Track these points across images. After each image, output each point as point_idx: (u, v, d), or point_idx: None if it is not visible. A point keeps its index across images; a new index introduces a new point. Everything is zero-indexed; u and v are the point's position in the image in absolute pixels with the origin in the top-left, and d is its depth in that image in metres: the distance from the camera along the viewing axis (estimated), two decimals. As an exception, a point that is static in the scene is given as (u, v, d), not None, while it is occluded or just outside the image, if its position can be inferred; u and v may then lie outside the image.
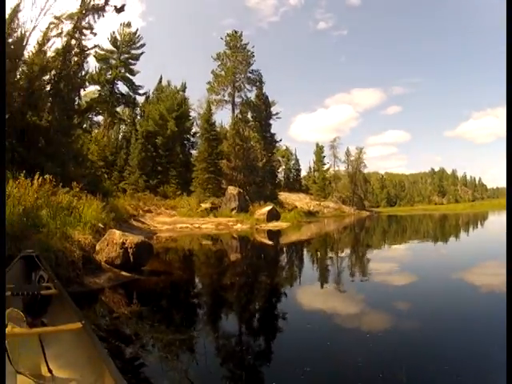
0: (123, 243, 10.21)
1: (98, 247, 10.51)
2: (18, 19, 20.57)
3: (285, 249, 18.31)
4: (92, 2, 26.93)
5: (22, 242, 8.22)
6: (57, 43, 25.95)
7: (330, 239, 23.88)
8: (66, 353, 3.85)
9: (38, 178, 12.85)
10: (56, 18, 26.00)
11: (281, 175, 67.34)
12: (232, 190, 36.29)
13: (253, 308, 8.04)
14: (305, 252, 17.98)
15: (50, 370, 3.51)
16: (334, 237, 25.53)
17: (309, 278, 10.70)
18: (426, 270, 11.24)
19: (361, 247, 18.87)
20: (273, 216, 32.67)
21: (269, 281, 10.50)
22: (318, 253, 16.93)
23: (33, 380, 3.39)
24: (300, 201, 56.29)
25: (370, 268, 12.11)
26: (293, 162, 72.74)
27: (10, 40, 20.53)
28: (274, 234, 24.41)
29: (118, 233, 10.75)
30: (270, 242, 21.00)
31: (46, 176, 13.30)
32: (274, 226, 29.85)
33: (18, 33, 21.77)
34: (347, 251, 17.21)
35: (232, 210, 34.48)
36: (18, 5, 20.33)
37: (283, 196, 50.79)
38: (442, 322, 6.07)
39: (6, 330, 3.30)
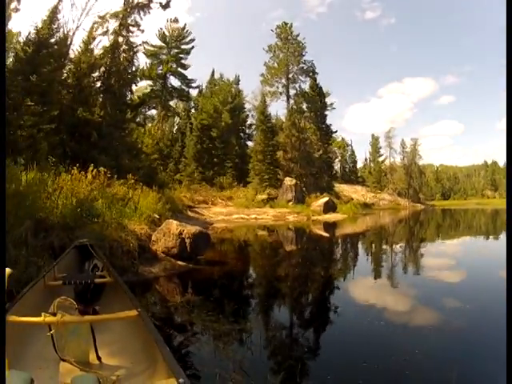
0: (180, 233, 10.21)
1: (154, 237, 10.53)
2: (57, 20, 21.03)
3: (339, 241, 18.14)
4: (136, 0, 27.62)
5: (74, 232, 8.28)
6: (103, 41, 26.86)
7: (385, 232, 23.50)
8: (117, 340, 3.89)
9: (92, 171, 13.02)
10: (100, 17, 26.95)
11: (337, 166, 66.52)
12: (289, 181, 36.03)
13: (305, 300, 8.00)
14: (359, 244, 17.78)
15: (98, 358, 3.54)
16: (389, 230, 25.05)
17: (362, 271, 10.63)
18: (478, 266, 11.02)
19: (415, 241, 18.43)
20: (329, 207, 32.31)
21: (322, 273, 10.42)
22: (373, 246, 16.75)
23: (78, 367, 3.37)
24: (356, 192, 55.58)
25: (423, 263, 11.86)
26: (348, 153, 71.97)
27: (53, 40, 20.91)
28: (329, 226, 24.20)
29: (175, 223, 10.74)
30: (326, 234, 20.75)
31: (101, 168, 13.45)
32: (330, 217, 29.53)
33: (60, 33, 22.30)
34: (401, 245, 16.93)
35: (288, 201, 34.26)
36: (56, 6, 20.73)
37: (339, 188, 50.16)
38: (494, 321, 5.80)
39: (57, 318, 3.32)
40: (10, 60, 21.20)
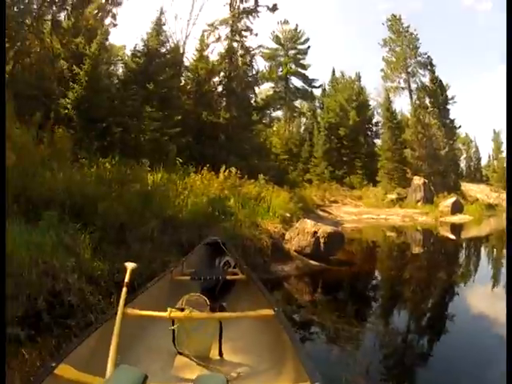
0: (315, 232, 10.23)
1: (287, 236, 10.70)
2: (163, 31, 22.10)
3: (464, 244, 17.63)
4: (242, 6, 28.48)
5: (204, 230, 8.55)
6: (217, 48, 28.06)
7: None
8: (242, 338, 3.83)
9: (224, 171, 13.83)
10: (209, 25, 28.25)
11: (462, 164, 63.29)
12: (417, 180, 34.70)
13: (425, 306, 7.90)
14: (482, 249, 17.06)
15: (220, 354, 3.52)
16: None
17: (482, 279, 10.23)
18: None
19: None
20: (456, 208, 30.66)
21: (445, 277, 10.27)
22: (494, 251, 15.80)
23: (196, 362, 3.42)
24: (481, 192, 52.43)
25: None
26: (473, 149, 68.17)
27: (163, 50, 22.07)
28: (456, 228, 23.34)
29: (309, 222, 10.88)
30: (452, 237, 20.17)
31: (232, 169, 14.24)
32: (457, 219, 28.00)
33: (170, 43, 23.72)
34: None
35: (417, 201, 33.11)
36: (159, 19, 21.78)
37: (465, 187, 47.64)
38: None
39: (184, 313, 3.41)
40: (119, 71, 23.43)
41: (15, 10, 15.51)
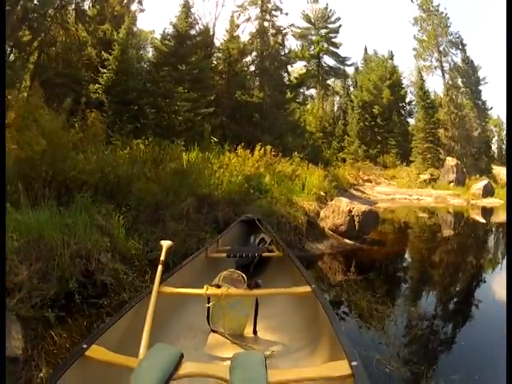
0: (350, 211, 10.26)
1: (322, 214, 10.78)
2: (192, 14, 22.16)
3: (493, 229, 17.25)
4: None
5: (240, 207, 8.78)
6: (248, 28, 28.79)
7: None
8: (278, 315, 3.84)
9: (259, 150, 14.04)
10: (238, 6, 28.84)
11: (494, 146, 61.95)
12: (450, 162, 34.18)
13: (453, 290, 7.86)
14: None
15: (254, 332, 3.58)
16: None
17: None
18: None
19: None
20: (487, 192, 30.00)
21: (474, 262, 10.18)
22: None
23: (230, 340, 3.42)
24: (512, 175, 51.25)
25: None
26: (504, 132, 66.50)
27: (193, 32, 22.09)
28: (487, 212, 23.07)
29: (344, 200, 10.92)
30: (483, 220, 19.96)
31: (267, 147, 14.47)
32: (488, 202, 27.69)
33: (200, 25, 23.99)
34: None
35: (450, 182, 32.59)
36: (187, 1, 21.76)
37: (495, 170, 46.72)
38: None
39: (221, 290, 3.40)
40: (149, 54, 24.12)
41: (35, 2, 15.56)
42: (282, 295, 3.91)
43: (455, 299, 7.21)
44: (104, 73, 16.46)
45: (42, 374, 3.37)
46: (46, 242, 4.79)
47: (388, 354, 4.17)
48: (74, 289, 4.61)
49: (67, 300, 4.51)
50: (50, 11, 16.35)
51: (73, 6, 18.17)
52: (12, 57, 15.52)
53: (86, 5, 19.15)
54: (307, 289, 3.43)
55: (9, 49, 14.60)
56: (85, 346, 2.43)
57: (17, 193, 6.11)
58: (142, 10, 24.32)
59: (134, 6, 23.50)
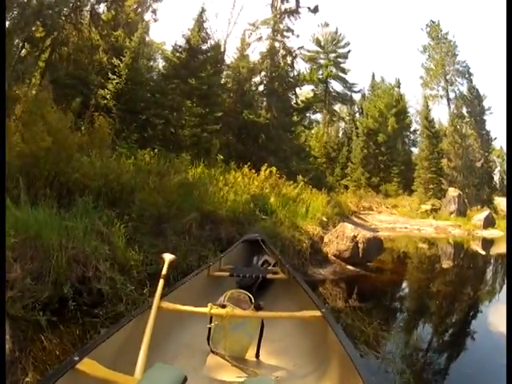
0: (354, 237, 10.26)
1: (326, 239, 10.76)
2: (204, 29, 21.94)
3: (493, 260, 17.38)
4: (283, 7, 28.45)
5: (243, 227, 8.72)
6: (258, 47, 29.16)
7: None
8: (282, 339, 3.72)
9: (265, 170, 14.09)
10: (250, 24, 28.57)
11: (496, 177, 62.43)
12: (452, 192, 34.26)
13: (449, 321, 7.89)
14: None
15: (257, 355, 3.44)
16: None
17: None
18: None
19: None
20: (488, 223, 30.28)
21: (471, 293, 10.28)
22: None
23: (230, 362, 3.31)
24: (513, 207, 51.38)
25: None
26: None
27: (205, 47, 21.87)
28: (487, 243, 23.16)
29: (349, 226, 10.93)
30: (482, 252, 20.02)
31: (272, 168, 14.48)
32: (489, 234, 27.78)
33: (211, 41, 23.44)
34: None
35: (451, 213, 32.65)
36: (201, 16, 21.58)
37: (497, 201, 47.02)
38: None
39: (226, 310, 3.29)
40: (160, 66, 23.69)
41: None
42: (288, 319, 3.78)
43: (450, 330, 7.20)
44: (114, 79, 16.48)
45: (28, 379, 3.29)
46: (42, 242, 4.74)
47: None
48: (68, 294, 4.53)
49: (60, 305, 4.42)
50: (65, 10, 16.33)
51: (88, 7, 18.08)
52: (24, 51, 15.42)
53: (101, 8, 19.23)
54: (317, 313, 3.33)
55: (21, 43, 14.59)
56: (76, 357, 2.34)
57: (17, 188, 6.09)
58: (155, 20, 24.66)
59: (148, 16, 23.91)
